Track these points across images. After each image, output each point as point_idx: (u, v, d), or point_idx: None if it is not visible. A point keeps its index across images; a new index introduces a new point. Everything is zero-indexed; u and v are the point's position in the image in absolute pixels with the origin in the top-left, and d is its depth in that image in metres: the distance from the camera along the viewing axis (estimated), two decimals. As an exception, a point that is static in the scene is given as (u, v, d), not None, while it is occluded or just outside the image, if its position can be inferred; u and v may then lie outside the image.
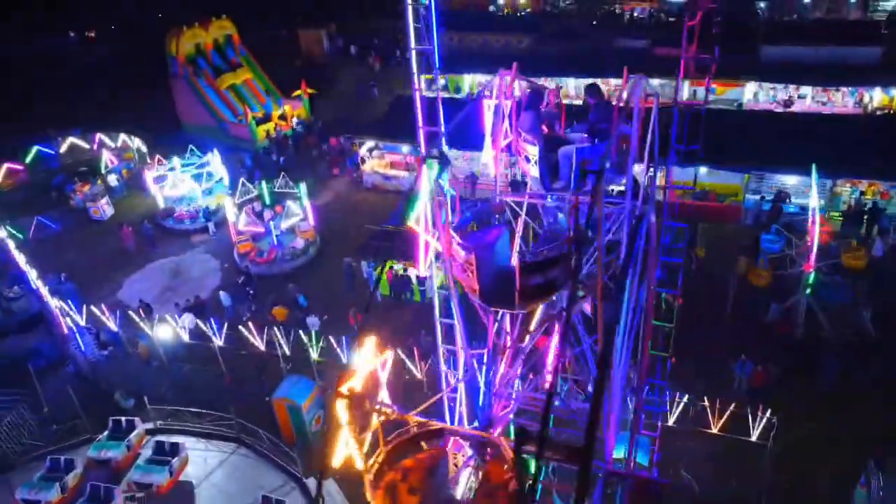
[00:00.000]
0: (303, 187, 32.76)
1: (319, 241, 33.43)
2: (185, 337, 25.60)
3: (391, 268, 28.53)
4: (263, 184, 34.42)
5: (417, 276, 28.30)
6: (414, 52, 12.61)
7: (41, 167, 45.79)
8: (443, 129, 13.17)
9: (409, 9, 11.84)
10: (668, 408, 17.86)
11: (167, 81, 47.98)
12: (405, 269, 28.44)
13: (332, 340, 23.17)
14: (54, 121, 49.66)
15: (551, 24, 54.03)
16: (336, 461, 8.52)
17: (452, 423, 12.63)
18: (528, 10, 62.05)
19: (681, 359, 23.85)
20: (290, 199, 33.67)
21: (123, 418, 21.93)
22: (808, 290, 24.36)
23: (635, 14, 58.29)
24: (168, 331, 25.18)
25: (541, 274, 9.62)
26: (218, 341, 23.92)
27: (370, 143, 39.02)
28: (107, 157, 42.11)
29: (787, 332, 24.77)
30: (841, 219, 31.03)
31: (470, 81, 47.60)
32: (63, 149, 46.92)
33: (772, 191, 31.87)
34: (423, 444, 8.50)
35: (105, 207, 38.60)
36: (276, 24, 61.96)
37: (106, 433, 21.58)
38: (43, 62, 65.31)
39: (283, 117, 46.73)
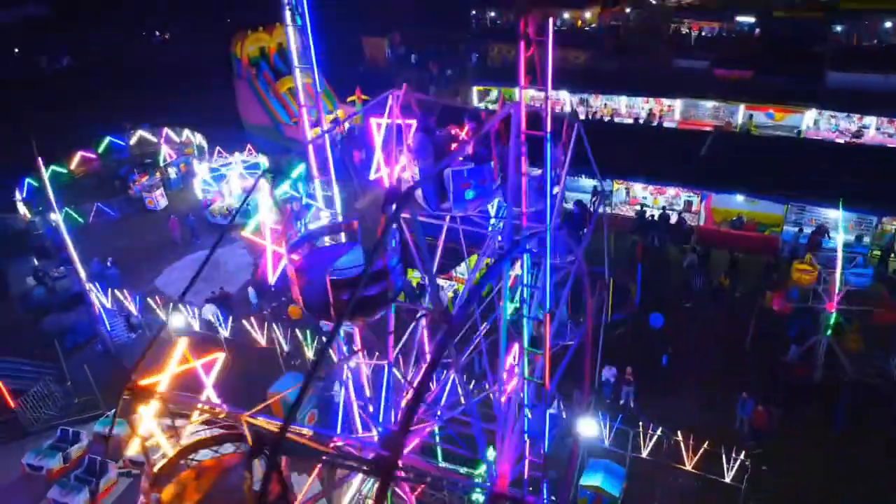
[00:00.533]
0: (336, 190, 33.56)
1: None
2: (196, 326, 26.75)
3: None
4: (300, 185, 35.53)
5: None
6: (297, 71, 12.85)
7: (112, 157, 48.80)
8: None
9: (290, 30, 12.15)
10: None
11: (232, 82, 50.23)
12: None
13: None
14: (129, 114, 52.96)
15: (611, 40, 53.30)
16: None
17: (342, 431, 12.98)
18: (594, 25, 61.43)
19: (689, 391, 23.32)
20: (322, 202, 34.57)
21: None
22: (829, 331, 23.10)
23: (703, 33, 56.63)
24: (181, 319, 26.39)
25: (351, 290, 9.75)
26: (224, 332, 24.88)
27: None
28: (166, 151, 44.40)
29: (805, 374, 23.57)
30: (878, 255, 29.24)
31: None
32: (133, 141, 49.84)
33: (811, 224, 30.34)
34: (225, 445, 8.77)
35: (159, 198, 40.79)
36: (343, 31, 63.64)
37: (114, 411, 22.79)
38: (129, 60, 69.66)
39: (335, 121, 47.95)
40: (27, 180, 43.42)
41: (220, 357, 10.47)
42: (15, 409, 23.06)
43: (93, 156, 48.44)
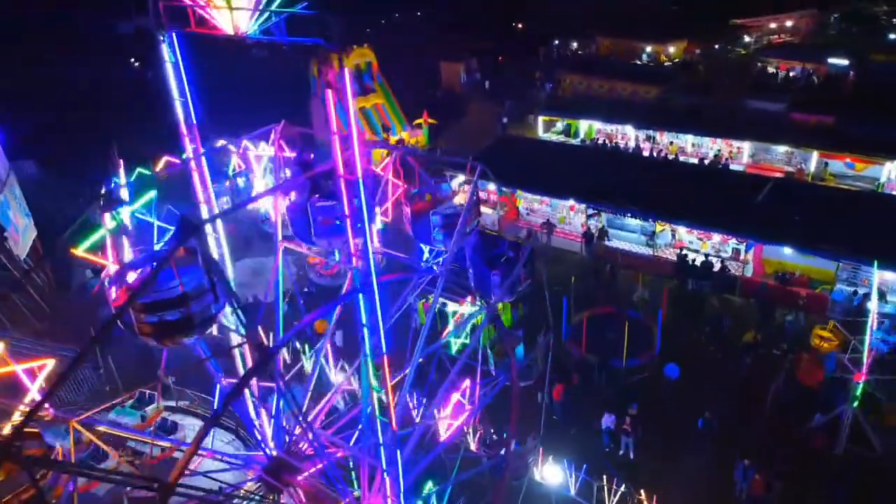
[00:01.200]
0: (377, 209, 34.38)
1: (385, 262, 34.70)
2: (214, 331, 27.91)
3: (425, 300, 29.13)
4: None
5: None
6: (178, 102, 13.19)
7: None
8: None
9: (168, 65, 12.49)
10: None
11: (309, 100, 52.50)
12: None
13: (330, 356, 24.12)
14: (219, 125, 56.24)
15: (686, 76, 51.71)
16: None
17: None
18: (678, 59, 59.78)
19: (695, 449, 22.16)
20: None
21: (147, 391, 24.47)
22: (856, 403, 21.33)
23: (790, 74, 53.84)
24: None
25: (154, 314, 9.98)
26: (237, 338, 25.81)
27: (461, 178, 39.82)
28: (236, 161, 46.82)
29: (826, 445, 21.82)
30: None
31: (586, 127, 46.89)
32: (217, 147, 52.97)
33: (864, 284, 28.11)
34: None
35: (223, 206, 43.00)
36: (424, 56, 65.29)
37: (130, 402, 24.23)
38: (230, 73, 73.90)
39: (399, 142, 49.13)
40: (114, 179, 47.08)
41: (49, 364, 11.01)
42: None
43: (177, 161, 51.77)
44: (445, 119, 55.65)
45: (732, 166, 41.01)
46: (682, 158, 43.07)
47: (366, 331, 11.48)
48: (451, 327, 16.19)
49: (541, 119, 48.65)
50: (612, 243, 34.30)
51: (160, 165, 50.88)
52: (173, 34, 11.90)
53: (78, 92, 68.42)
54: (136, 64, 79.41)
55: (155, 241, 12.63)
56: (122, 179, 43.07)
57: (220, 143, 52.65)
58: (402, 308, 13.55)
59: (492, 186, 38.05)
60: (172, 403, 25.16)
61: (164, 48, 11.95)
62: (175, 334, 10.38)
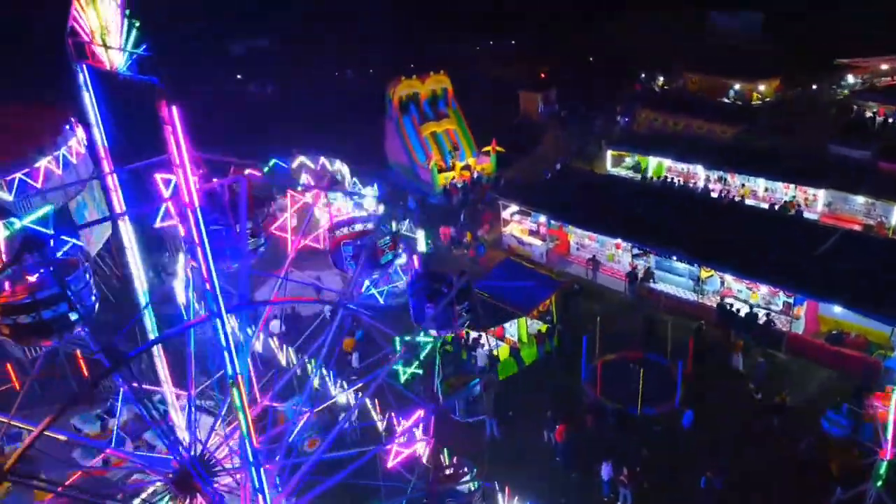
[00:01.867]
0: (421, 234, 35.02)
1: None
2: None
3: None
4: (393, 223, 37.47)
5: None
6: (96, 130, 13.74)
7: (275, 177, 54.78)
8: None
9: (87, 97, 13.00)
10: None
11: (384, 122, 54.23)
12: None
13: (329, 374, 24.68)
14: (302, 141, 59.09)
15: (769, 116, 49.11)
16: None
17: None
18: (768, 99, 56.93)
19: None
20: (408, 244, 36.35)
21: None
22: (880, 482, 19.50)
23: (889, 120, 49.92)
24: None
25: (7, 317, 10.83)
26: (258, 346, 26.90)
27: (514, 207, 39.88)
28: (305, 178, 48.90)
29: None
30: None
31: (655, 164, 45.62)
32: (294, 164, 55.60)
33: (920, 353, 25.66)
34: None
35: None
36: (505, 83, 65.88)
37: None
38: (319, 93, 77.62)
39: (466, 168, 49.71)
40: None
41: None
42: (87, 378, 26.97)
43: (258, 173, 54.73)
44: (519, 148, 55.84)
45: (806, 214, 38.63)
46: (752, 202, 41.04)
47: (226, 354, 11.52)
48: (399, 355, 16.27)
49: (609, 153, 47.83)
50: (658, 285, 33.15)
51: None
52: (83, 65, 12.79)
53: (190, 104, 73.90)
54: (239, 78, 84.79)
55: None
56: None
57: (299, 159, 55.58)
58: (328, 342, 13.74)
59: (542, 219, 37.85)
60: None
61: (81, 77, 12.93)
62: (31, 336, 11.34)
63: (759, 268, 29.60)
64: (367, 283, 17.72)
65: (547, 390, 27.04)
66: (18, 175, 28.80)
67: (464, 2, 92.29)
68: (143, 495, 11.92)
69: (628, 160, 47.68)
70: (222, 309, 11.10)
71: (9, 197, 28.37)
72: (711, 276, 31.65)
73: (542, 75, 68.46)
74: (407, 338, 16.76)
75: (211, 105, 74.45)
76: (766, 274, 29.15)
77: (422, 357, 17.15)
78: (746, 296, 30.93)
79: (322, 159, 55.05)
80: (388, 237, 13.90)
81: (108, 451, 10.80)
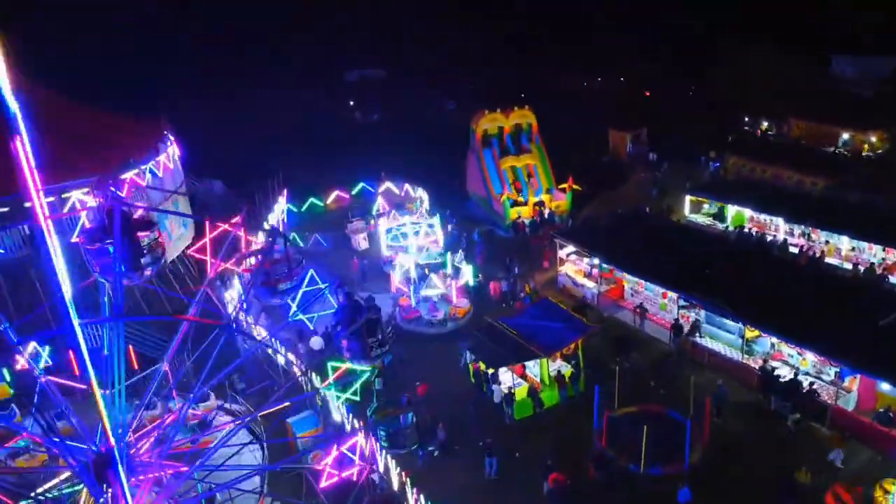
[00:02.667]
0: (468, 267, 35.63)
1: (468, 321, 35.51)
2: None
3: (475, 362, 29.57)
4: (449, 254, 38.22)
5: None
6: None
7: (361, 199, 57.44)
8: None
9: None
10: None
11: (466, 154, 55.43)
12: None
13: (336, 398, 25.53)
14: (394, 167, 61.54)
15: (866, 170, 45.14)
16: None
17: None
18: (880, 150, 52.36)
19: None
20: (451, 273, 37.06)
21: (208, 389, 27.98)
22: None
23: None
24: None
25: None
26: (293, 360, 28.39)
27: (571, 247, 39.45)
28: (381, 202, 50.81)
29: None
30: None
31: (733, 212, 43.43)
32: (381, 188, 57.96)
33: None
34: None
35: (361, 241, 47.12)
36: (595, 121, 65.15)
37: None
38: (418, 121, 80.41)
39: (539, 204, 49.68)
40: (288, 205, 54.01)
41: None
42: (135, 369, 29.66)
43: (346, 195, 57.70)
44: (602, 186, 55.08)
45: (894, 279, 35.36)
46: (835, 261, 38.10)
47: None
48: (330, 380, 16.75)
49: (688, 199, 46.11)
50: (704, 340, 31.59)
51: (331, 198, 57.44)
52: None
53: (291, 125, 78.95)
54: (352, 104, 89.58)
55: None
56: (282, 205, 48.87)
57: (385, 184, 57.85)
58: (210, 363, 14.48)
59: (596, 260, 37.22)
60: (222, 403, 28.47)
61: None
62: None
63: (809, 332, 27.54)
64: (293, 308, 18.40)
65: (558, 435, 26.62)
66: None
67: (570, 39, 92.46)
68: (55, 481, 13.30)
69: (707, 207, 45.74)
70: (74, 321, 11.53)
71: (92, 202, 31.99)
72: (759, 336, 29.80)
73: (646, 93, 66.51)
74: (338, 363, 17.32)
75: (318, 128, 79.43)
76: (813, 340, 27.07)
77: (357, 385, 17.63)
78: (796, 361, 28.86)
79: (406, 186, 57.29)
80: (285, 268, 14.55)
81: (24, 435, 12.17)
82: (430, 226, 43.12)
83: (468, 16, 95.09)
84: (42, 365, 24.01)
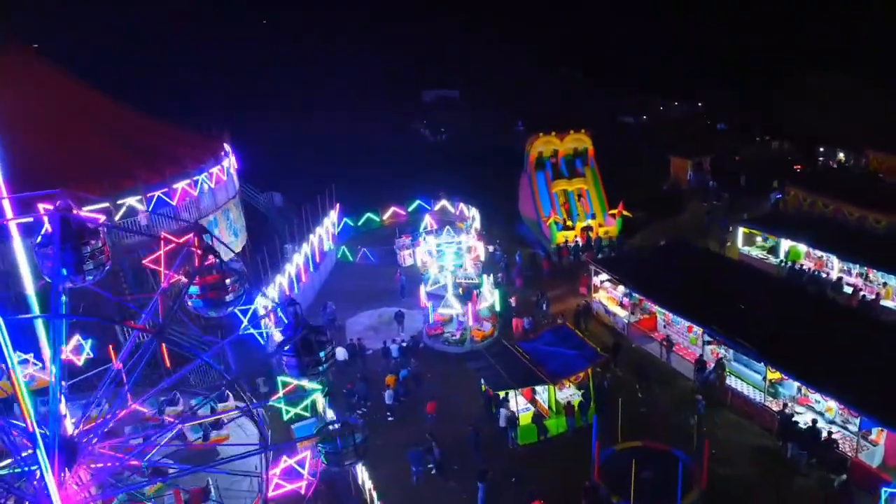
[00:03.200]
0: (494, 291, 36.02)
1: (492, 341, 35.60)
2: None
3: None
4: (485, 276, 38.56)
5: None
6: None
7: (416, 216, 58.65)
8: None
9: None
10: None
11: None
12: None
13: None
14: (450, 185, 62.56)
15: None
16: None
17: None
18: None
19: None
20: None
21: (227, 391, 29.50)
22: None
23: None
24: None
25: None
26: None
27: (605, 275, 38.85)
28: (428, 220, 51.62)
29: None
30: None
31: (787, 247, 41.42)
32: (436, 207, 59.00)
33: None
34: None
35: (406, 257, 48.18)
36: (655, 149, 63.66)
37: (214, 395, 29.49)
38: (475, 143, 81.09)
39: (587, 229, 49.13)
40: (345, 219, 55.94)
41: None
42: (168, 368, 31.67)
43: (402, 212, 59.10)
44: (657, 214, 53.84)
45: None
46: (892, 305, 35.69)
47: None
48: (280, 394, 17.33)
49: (741, 230, 44.38)
50: (730, 378, 30.37)
51: (387, 214, 58.99)
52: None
53: (363, 142, 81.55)
54: (425, 122, 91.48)
55: None
56: (332, 219, 50.55)
57: (441, 202, 58.88)
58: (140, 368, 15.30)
59: (623, 289, 36.58)
60: (241, 405, 29.92)
61: None
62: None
63: (834, 378, 26.01)
64: (245, 322, 19.15)
65: (559, 465, 26.36)
66: (157, 193, 34.97)
67: (643, 63, 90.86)
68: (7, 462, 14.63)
69: (761, 240, 43.86)
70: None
71: (144, 209, 34.54)
72: (783, 379, 28.40)
73: (708, 121, 64.69)
74: (287, 379, 17.94)
75: (387, 146, 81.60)
76: (836, 387, 25.55)
77: (307, 401, 18.17)
78: (822, 408, 27.30)
79: (461, 205, 58.05)
80: (233, 280, 15.16)
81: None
82: (471, 246, 43.57)
83: (547, 40, 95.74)
84: (84, 357, 26.55)
